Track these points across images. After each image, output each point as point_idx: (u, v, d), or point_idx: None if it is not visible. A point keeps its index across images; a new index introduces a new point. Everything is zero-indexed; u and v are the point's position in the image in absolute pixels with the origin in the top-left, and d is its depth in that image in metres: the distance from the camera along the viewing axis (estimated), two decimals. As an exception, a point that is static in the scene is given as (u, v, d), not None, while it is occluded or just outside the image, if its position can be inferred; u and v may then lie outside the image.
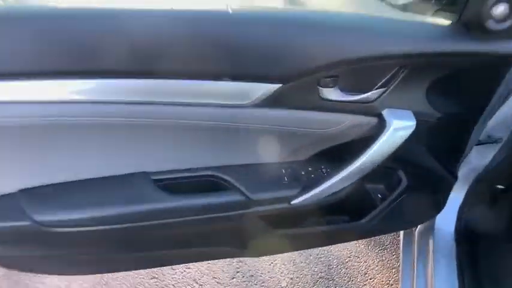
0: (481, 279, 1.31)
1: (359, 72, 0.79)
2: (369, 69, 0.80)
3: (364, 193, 1.14)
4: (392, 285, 1.66)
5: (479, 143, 1.19)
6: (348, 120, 0.85)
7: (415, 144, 0.94)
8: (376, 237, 1.85)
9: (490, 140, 1.21)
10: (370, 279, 1.69)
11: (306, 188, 0.89)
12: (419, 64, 0.80)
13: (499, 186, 1.35)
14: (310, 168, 0.94)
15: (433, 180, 1.12)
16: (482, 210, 1.38)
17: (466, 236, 1.36)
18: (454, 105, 0.93)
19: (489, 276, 1.31)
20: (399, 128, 0.82)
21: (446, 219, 1.39)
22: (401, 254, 1.52)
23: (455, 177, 1.14)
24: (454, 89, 0.90)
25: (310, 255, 1.77)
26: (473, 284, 1.29)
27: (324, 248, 1.80)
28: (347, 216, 1.14)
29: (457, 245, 1.37)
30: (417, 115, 0.86)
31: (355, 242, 1.84)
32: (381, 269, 1.72)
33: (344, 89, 0.81)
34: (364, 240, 1.83)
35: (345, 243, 1.83)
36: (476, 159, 1.26)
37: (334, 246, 1.81)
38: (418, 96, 0.86)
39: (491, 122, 1.21)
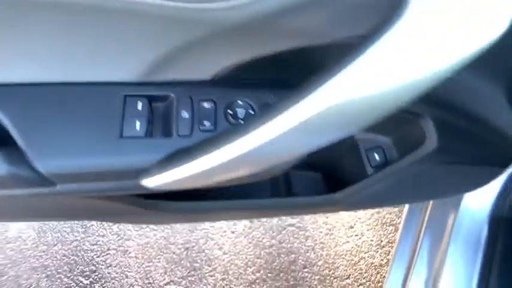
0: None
1: None
2: None
3: (349, 151, 0.63)
4: (384, 247, 1.24)
5: None
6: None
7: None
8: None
9: None
10: (356, 235, 1.26)
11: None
12: None
13: None
14: (233, 100, 0.41)
15: (491, 140, 0.58)
16: None
17: (509, 221, 0.87)
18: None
19: None
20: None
21: (480, 198, 0.88)
22: (405, 215, 1.05)
23: None
24: None
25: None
26: (502, 283, 0.85)
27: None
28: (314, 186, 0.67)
29: (489, 230, 0.88)
30: None
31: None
32: (374, 224, 1.28)
33: None
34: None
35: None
36: None
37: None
38: None
39: None
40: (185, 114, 0.39)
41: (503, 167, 0.65)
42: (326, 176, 0.72)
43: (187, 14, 0.31)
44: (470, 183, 0.69)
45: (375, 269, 1.21)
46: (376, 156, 0.59)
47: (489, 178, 0.65)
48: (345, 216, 1.29)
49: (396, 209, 1.28)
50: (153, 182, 0.37)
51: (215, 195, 0.62)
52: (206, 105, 0.40)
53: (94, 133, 0.37)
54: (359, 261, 1.22)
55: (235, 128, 0.31)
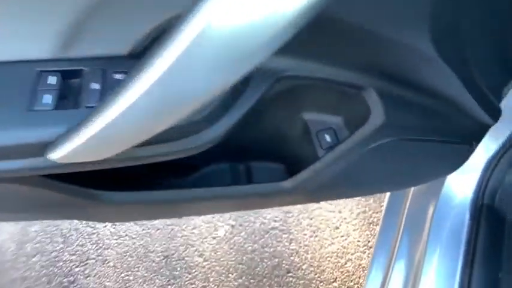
0: (497, 274, 0.81)
1: None
2: None
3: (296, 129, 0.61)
4: (371, 247, 1.19)
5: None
6: None
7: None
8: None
9: None
10: (342, 236, 1.22)
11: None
12: None
13: None
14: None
15: (448, 114, 0.56)
16: None
17: (489, 208, 0.83)
18: None
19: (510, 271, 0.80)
20: None
21: (460, 177, 0.84)
22: (383, 212, 1.01)
23: (497, 114, 0.57)
24: None
25: (266, 197, 1.29)
26: (485, 278, 0.80)
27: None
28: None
29: (470, 219, 0.84)
30: None
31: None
32: (360, 224, 1.24)
33: None
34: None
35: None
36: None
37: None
38: None
39: None
40: (95, 86, 0.37)
41: (472, 143, 0.62)
42: (288, 165, 0.69)
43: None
44: (442, 166, 0.66)
45: (363, 270, 1.16)
46: (327, 138, 0.57)
47: (461, 158, 0.61)
48: (330, 217, 1.24)
49: (383, 208, 1.23)
50: (56, 154, 0.34)
51: (168, 185, 0.59)
52: (118, 76, 0.38)
53: (3, 108, 0.35)
54: (346, 263, 1.17)
55: (122, 82, 0.28)
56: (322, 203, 1.28)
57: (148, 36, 0.38)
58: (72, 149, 0.33)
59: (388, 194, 1.04)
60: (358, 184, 0.63)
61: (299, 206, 1.26)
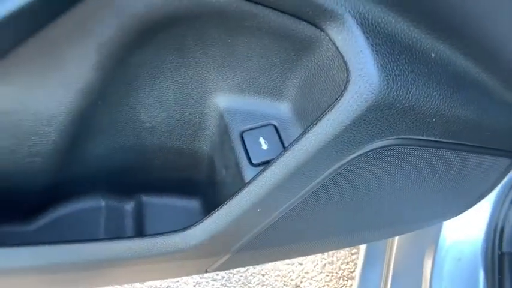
0: None
1: None
2: None
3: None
4: (342, 311, 0.89)
5: None
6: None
7: None
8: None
9: None
10: (304, 298, 0.91)
11: None
12: None
13: None
14: None
15: (492, 93, 0.29)
16: None
17: (510, 260, 0.57)
18: None
19: None
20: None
21: (465, 232, 0.59)
22: (361, 263, 0.73)
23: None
24: None
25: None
26: None
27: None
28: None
29: (485, 271, 0.58)
30: None
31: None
32: (327, 279, 0.95)
33: None
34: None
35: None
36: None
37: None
38: None
39: None
40: None
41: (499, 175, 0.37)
42: (205, 201, 0.41)
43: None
44: (469, 192, 0.40)
45: None
46: (262, 142, 0.29)
47: (497, 178, 0.36)
48: (287, 272, 0.94)
49: (354, 256, 0.95)
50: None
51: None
52: None
53: None
54: (310, 337, 0.86)
55: None
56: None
57: None
58: None
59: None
60: (317, 233, 0.35)
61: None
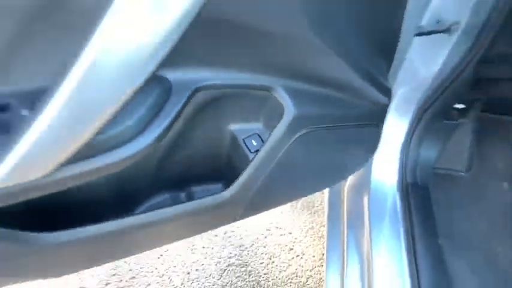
0: (437, 241, 0.89)
1: None
2: None
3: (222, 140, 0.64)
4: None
5: (421, 33, 0.70)
6: None
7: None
8: (305, 198, 1.38)
9: (439, 28, 0.73)
10: (298, 256, 1.24)
11: None
12: None
13: (458, 106, 0.89)
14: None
15: (348, 99, 0.63)
16: (434, 144, 0.92)
17: (414, 185, 0.91)
18: None
19: (448, 236, 0.88)
20: None
21: (383, 165, 0.93)
22: (326, 220, 1.06)
23: (389, 93, 0.66)
24: None
25: (216, 235, 1.28)
26: (428, 249, 0.86)
27: (234, 223, 1.32)
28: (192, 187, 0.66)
29: (401, 199, 0.92)
30: None
31: (275, 209, 1.37)
32: (311, 240, 1.28)
33: None
34: (287, 205, 1.37)
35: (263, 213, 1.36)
36: (419, 63, 0.78)
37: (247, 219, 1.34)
38: None
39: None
40: (25, 113, 0.39)
41: (377, 124, 0.70)
42: (227, 181, 0.72)
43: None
44: (361, 150, 0.73)
45: (324, 282, 1.17)
46: (254, 142, 0.61)
47: (374, 140, 0.69)
48: (282, 241, 1.26)
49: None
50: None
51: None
52: None
53: None
54: (307, 281, 1.18)
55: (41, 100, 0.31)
56: (272, 228, 1.30)
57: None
58: (11, 166, 0.33)
59: (327, 204, 1.10)
60: (292, 183, 0.68)
61: (251, 238, 1.27)
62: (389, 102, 0.69)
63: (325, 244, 1.24)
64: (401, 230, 0.88)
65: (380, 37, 0.62)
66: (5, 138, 0.37)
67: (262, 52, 0.52)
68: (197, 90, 0.51)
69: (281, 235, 1.28)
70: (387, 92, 0.65)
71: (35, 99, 0.39)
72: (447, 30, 0.73)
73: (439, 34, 0.73)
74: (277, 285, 1.16)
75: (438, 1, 0.72)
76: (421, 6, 0.70)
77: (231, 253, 1.23)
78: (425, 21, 0.71)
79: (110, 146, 0.43)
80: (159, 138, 0.48)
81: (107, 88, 0.33)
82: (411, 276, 0.83)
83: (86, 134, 0.34)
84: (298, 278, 1.18)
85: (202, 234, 1.26)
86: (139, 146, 0.47)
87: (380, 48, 0.62)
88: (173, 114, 0.49)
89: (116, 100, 0.34)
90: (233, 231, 1.29)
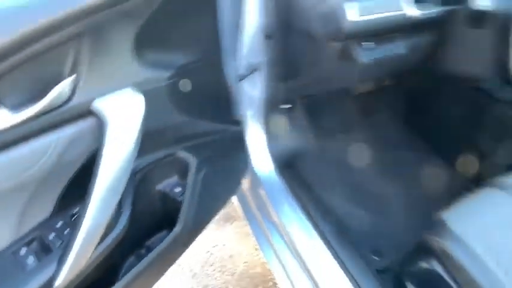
0: (314, 193, 1.29)
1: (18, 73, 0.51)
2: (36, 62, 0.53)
3: (161, 197, 0.92)
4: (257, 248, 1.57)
5: (242, 78, 1.10)
6: (52, 144, 0.57)
7: (165, 117, 0.76)
8: (222, 213, 1.71)
9: (251, 70, 1.14)
10: (240, 255, 1.56)
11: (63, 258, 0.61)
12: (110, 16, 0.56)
13: (284, 106, 1.33)
14: (58, 224, 0.65)
15: (221, 139, 0.98)
16: (278, 134, 1.33)
17: (282, 163, 1.29)
18: (184, 55, 0.77)
19: (319, 195, 1.30)
20: (124, 116, 0.60)
21: (261, 162, 1.31)
22: (246, 220, 1.41)
23: (238, 124, 1.04)
24: (168, 36, 0.72)
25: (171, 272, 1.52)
26: (314, 206, 1.26)
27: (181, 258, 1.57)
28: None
29: (283, 178, 1.30)
30: (142, 85, 0.66)
31: (208, 234, 1.67)
32: (243, 239, 1.61)
33: (11, 107, 0.52)
34: (214, 225, 1.67)
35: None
36: (250, 91, 1.18)
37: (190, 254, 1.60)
38: (124, 61, 0.64)
39: (245, 50, 1.12)
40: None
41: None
42: (170, 226, 1.00)
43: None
44: (243, 158, 1.09)
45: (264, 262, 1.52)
46: (177, 190, 0.92)
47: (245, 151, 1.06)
48: (224, 254, 1.57)
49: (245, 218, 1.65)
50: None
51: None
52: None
53: None
54: (257, 267, 1.51)
55: None
56: (211, 248, 1.59)
57: None
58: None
59: (241, 208, 1.44)
60: (212, 203, 1.01)
61: (200, 264, 1.54)
62: (243, 127, 1.07)
63: (254, 239, 1.59)
64: (293, 201, 1.25)
65: (217, 96, 0.98)
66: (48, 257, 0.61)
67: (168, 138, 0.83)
68: (135, 174, 0.79)
69: (220, 249, 1.58)
70: (239, 123, 1.03)
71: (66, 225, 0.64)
72: (256, 69, 1.14)
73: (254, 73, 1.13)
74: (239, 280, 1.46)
75: (245, 52, 1.12)
76: (239, 61, 1.09)
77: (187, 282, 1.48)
78: (242, 69, 1.11)
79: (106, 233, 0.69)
80: (128, 220, 0.75)
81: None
82: (314, 227, 1.19)
83: None
84: (251, 270, 1.50)
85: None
86: (120, 228, 0.74)
87: (221, 100, 0.99)
88: (130, 202, 0.77)
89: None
90: (180, 264, 1.55)
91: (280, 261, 1.22)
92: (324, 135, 1.55)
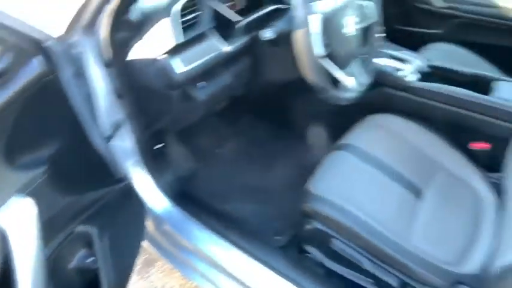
0: (211, 208, 1.46)
1: None
2: None
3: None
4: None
5: (108, 139, 1.19)
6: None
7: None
8: (140, 261, 1.75)
9: (115, 128, 1.23)
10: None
11: None
12: None
13: (158, 146, 1.46)
14: None
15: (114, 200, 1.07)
16: (162, 171, 1.45)
17: (175, 195, 1.40)
18: (49, 145, 0.85)
19: (212, 199, 1.46)
20: (21, 222, 0.67)
21: (155, 201, 1.41)
22: (164, 258, 1.49)
23: (122, 180, 1.13)
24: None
25: None
26: (211, 212, 1.40)
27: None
28: None
29: (180, 207, 1.39)
30: (25, 188, 0.72)
31: None
32: (169, 276, 1.69)
33: None
34: (137, 277, 1.70)
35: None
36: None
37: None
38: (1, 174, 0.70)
39: (104, 113, 1.20)
40: None
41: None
42: None
43: None
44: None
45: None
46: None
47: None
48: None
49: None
50: None
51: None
52: None
53: None
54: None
55: None
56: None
57: None
58: None
59: (155, 249, 1.51)
60: (127, 256, 1.09)
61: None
62: (128, 179, 1.17)
63: (178, 272, 1.68)
64: (195, 223, 1.36)
65: (93, 165, 1.06)
66: None
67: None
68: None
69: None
70: (122, 179, 1.12)
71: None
72: (119, 125, 1.24)
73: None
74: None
75: (104, 115, 1.20)
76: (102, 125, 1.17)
77: None
78: (107, 131, 1.19)
79: None
80: None
81: None
82: (221, 237, 1.33)
83: None
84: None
85: None
86: None
87: (98, 167, 1.07)
88: None
89: None
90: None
91: (208, 278, 1.35)
92: (204, 156, 1.73)
